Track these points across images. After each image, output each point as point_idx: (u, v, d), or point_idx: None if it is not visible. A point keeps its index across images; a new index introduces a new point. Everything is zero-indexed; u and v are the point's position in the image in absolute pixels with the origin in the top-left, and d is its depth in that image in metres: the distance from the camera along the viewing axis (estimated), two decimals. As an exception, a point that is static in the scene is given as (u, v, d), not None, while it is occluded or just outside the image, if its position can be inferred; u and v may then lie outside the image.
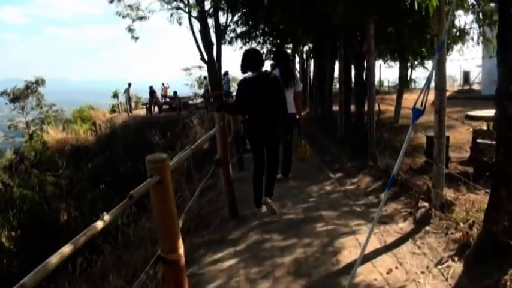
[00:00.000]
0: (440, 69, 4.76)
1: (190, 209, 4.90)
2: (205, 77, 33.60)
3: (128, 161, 18.22)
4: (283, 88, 5.58)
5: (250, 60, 5.34)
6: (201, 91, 32.63)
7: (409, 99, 14.49)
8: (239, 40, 18.45)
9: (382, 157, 7.58)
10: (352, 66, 11.02)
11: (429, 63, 12.54)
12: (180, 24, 23.28)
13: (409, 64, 16.29)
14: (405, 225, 4.94)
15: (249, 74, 5.35)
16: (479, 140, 6.73)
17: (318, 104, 16.43)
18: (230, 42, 20.49)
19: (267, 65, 10.30)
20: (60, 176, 19.51)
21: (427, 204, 5.23)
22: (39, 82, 37.39)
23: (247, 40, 17.80)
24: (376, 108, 8.97)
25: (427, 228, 4.70)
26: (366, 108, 8.81)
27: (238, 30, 19.15)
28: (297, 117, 7.13)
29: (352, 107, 11.87)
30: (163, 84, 34.39)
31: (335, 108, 14.36)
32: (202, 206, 6.58)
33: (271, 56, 8.87)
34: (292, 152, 7.36)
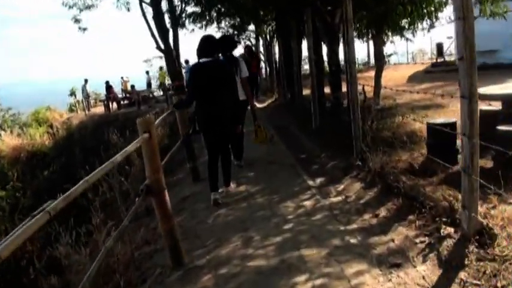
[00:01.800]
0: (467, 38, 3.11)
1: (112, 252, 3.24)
2: (160, 67, 31.64)
3: (86, 165, 16.69)
4: (233, 74, 5.81)
5: (202, 47, 5.41)
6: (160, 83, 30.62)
7: (386, 78, 13.03)
8: (192, 23, 16.50)
9: (372, 154, 5.93)
10: (323, 44, 9.31)
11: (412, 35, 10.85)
12: (128, 10, 21.10)
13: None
14: (427, 270, 3.30)
15: (203, 59, 5.38)
16: (501, 128, 5.11)
17: (286, 89, 14.70)
18: (183, 26, 18.56)
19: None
20: (12, 189, 17.69)
21: (452, 231, 3.64)
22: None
23: (202, 23, 15.98)
24: (360, 89, 7.29)
25: (462, 275, 3.09)
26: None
27: (190, 9, 17.21)
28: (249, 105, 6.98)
29: (326, 91, 10.27)
30: (122, 78, 32.37)
31: (306, 92, 12.74)
32: (137, 244, 4.83)
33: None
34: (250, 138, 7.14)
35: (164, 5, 21.00)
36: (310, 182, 6.02)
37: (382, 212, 4.55)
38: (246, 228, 4.50)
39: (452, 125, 5.64)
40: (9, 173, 19.38)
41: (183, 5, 19.89)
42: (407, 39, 10.33)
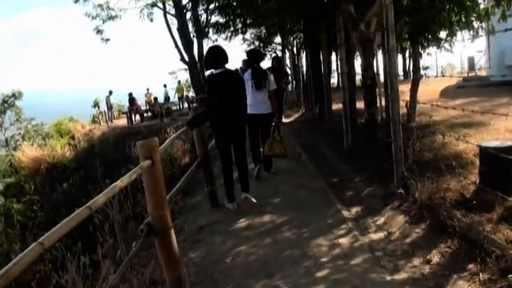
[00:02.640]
0: None
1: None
2: (179, 81, 31.25)
3: (106, 178, 16.20)
4: (243, 84, 5.75)
5: (211, 57, 5.38)
6: (189, 95, 30.08)
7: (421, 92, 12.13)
8: (216, 33, 15.92)
9: (416, 181, 5.11)
10: (357, 55, 8.53)
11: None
12: (151, 21, 20.71)
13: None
14: None
15: (215, 70, 5.35)
16: None
17: (314, 104, 13.92)
18: (207, 35, 18.00)
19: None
20: (29, 202, 17.33)
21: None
22: (16, 95, 35.17)
23: (227, 34, 15.37)
24: (403, 106, 6.48)
25: None
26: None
27: (214, 19, 16.64)
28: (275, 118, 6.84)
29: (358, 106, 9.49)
30: (147, 90, 32.08)
31: (334, 107, 11.95)
32: (144, 283, 4.11)
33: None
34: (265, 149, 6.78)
35: (188, 15, 20.65)
36: (345, 213, 5.23)
37: (435, 257, 3.76)
38: (271, 274, 3.71)
39: (510, 150, 4.81)
40: (27, 185, 19.04)
41: (209, 16, 19.43)
42: (446, 49, 9.40)
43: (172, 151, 12.35)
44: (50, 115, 36.01)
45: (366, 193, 5.88)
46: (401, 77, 29.55)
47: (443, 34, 8.65)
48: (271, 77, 6.64)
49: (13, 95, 34.77)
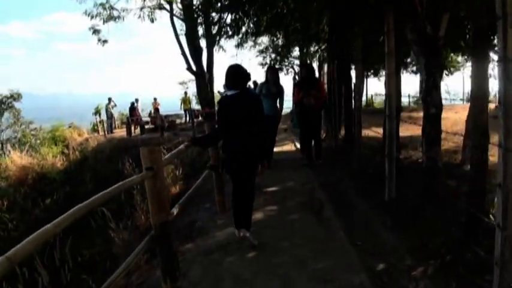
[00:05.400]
0: None
1: None
2: (185, 93, 28.75)
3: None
4: (262, 106, 5.08)
5: (228, 78, 4.93)
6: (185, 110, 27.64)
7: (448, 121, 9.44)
8: (227, 37, 13.47)
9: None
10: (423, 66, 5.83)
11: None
12: (152, 21, 18.29)
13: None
14: None
15: (230, 92, 4.96)
16: None
17: (337, 129, 11.18)
18: (220, 36, 15.62)
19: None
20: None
21: None
22: (15, 96, 33.17)
23: (237, 40, 13.00)
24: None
25: None
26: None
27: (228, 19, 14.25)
28: None
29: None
30: (155, 99, 29.84)
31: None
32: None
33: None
34: None
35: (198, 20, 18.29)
36: None
37: None
38: None
39: None
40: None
41: (221, 20, 17.03)
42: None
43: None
44: (76, 117, 33.93)
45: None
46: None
47: None
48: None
49: (11, 96, 32.73)
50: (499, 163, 3.07)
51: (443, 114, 5.54)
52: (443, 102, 5.50)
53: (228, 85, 5.03)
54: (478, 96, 3.79)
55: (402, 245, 4.55)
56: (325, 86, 11.99)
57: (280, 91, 8.74)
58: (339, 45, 9.42)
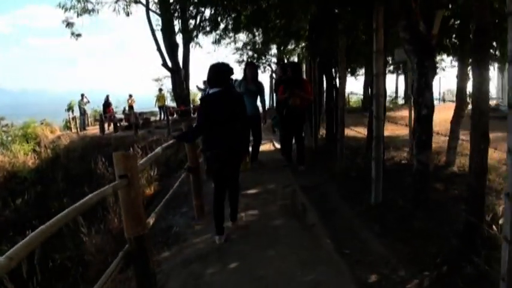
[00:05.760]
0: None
1: None
2: (160, 89, 28.14)
3: (65, 197, 13.68)
4: (245, 104, 5.22)
5: (210, 76, 5.00)
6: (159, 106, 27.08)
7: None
8: (204, 33, 13.09)
9: None
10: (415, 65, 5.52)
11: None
12: (127, 15, 17.85)
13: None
14: None
15: (212, 89, 4.97)
16: None
17: (316, 129, 10.83)
18: (196, 37, 15.29)
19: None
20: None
21: None
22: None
23: (215, 36, 12.70)
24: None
25: None
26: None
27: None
28: None
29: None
30: (130, 96, 29.23)
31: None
32: None
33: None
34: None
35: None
36: None
37: None
38: None
39: None
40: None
41: (197, 12, 16.62)
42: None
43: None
44: (49, 114, 32.98)
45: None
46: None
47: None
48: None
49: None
50: (508, 170, 2.83)
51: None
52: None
53: (210, 84, 5.04)
54: (478, 98, 3.55)
55: (393, 253, 4.29)
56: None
57: (260, 89, 8.43)
58: (321, 43, 9.15)
